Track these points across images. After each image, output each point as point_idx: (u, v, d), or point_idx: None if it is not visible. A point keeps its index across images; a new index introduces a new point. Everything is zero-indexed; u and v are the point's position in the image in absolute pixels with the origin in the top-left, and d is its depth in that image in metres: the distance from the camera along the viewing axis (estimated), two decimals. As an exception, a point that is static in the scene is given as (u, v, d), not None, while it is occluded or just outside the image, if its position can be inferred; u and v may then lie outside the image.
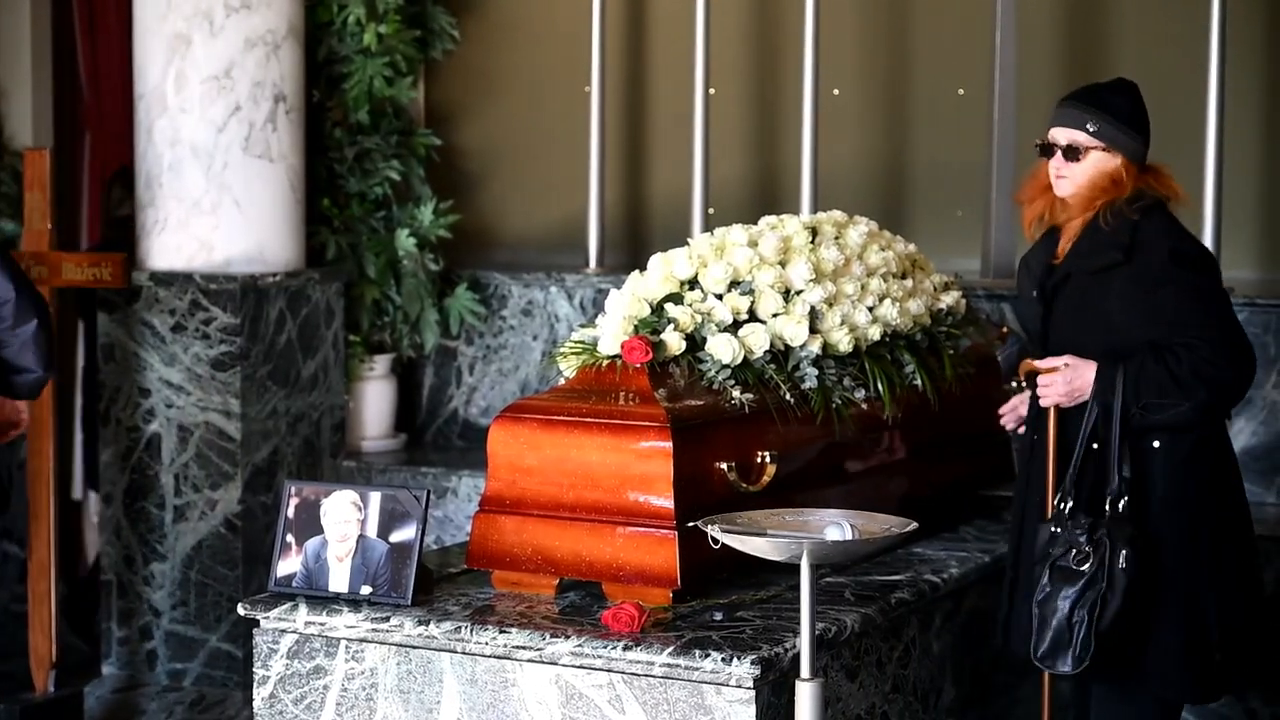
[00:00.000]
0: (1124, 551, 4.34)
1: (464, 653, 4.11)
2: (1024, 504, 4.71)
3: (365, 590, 4.24)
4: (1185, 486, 4.50)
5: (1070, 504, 4.44)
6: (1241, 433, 6.03)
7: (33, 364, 5.25)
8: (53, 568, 6.36)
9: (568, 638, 4.02)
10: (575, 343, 4.56)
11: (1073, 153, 4.57)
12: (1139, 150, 4.58)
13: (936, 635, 4.70)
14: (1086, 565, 4.35)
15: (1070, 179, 4.58)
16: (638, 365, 4.38)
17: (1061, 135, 4.60)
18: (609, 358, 4.44)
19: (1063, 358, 4.52)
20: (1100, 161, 4.56)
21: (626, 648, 3.95)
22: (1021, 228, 6.68)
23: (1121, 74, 6.92)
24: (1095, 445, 4.47)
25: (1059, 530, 4.42)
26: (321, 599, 4.26)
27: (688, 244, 4.80)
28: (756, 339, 4.54)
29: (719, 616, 4.12)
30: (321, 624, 4.23)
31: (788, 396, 4.58)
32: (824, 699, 3.43)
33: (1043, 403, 4.57)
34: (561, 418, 4.36)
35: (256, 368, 6.49)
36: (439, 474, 6.70)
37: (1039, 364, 4.57)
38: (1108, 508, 4.40)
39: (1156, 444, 4.48)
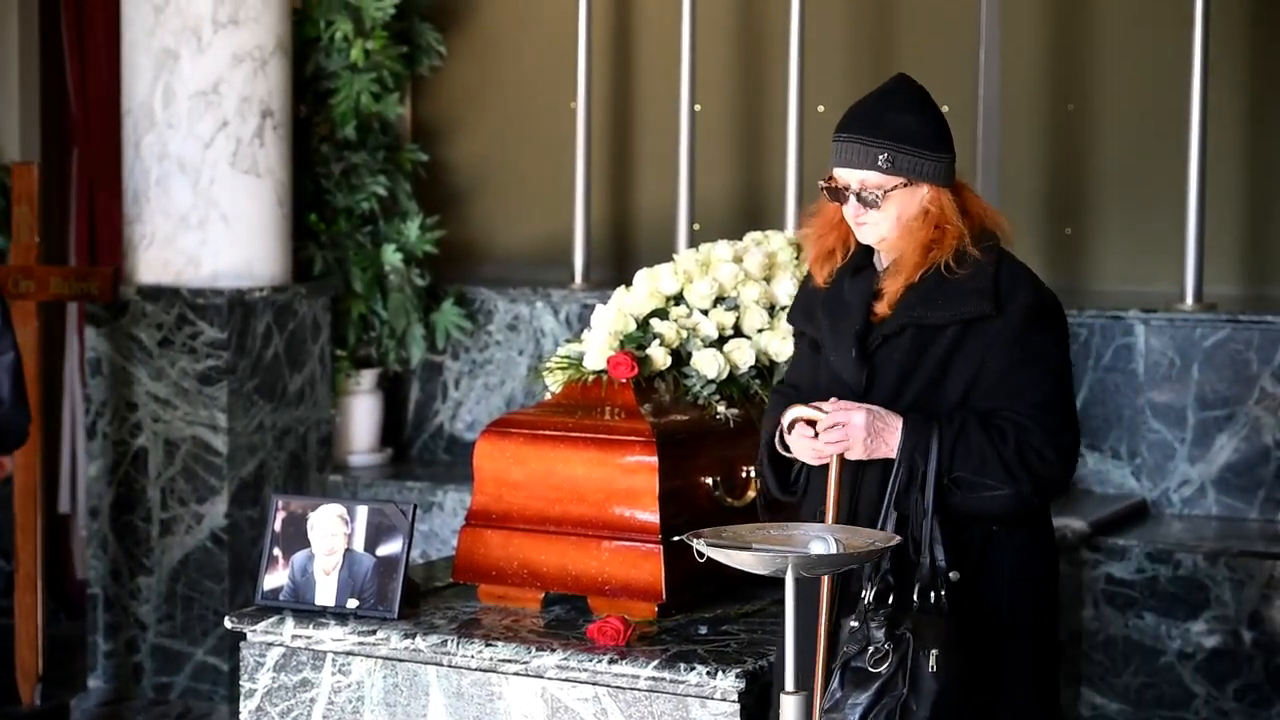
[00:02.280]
0: (934, 652, 3.56)
1: (450, 666, 4.13)
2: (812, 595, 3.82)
3: (352, 604, 4.26)
4: (1029, 574, 3.78)
5: (873, 591, 3.63)
6: (1224, 449, 6.06)
7: (5, 393, 5.21)
8: (39, 581, 6.37)
9: (553, 651, 4.04)
10: (561, 358, 4.58)
11: (868, 198, 3.74)
12: (945, 169, 3.76)
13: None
14: (884, 666, 3.57)
15: (873, 226, 3.76)
16: (623, 380, 4.40)
17: (850, 177, 3.76)
18: (595, 373, 4.46)
19: (857, 404, 3.71)
20: (902, 199, 3.73)
21: (612, 661, 3.97)
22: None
23: (1106, 90, 7.00)
24: (898, 516, 3.69)
25: (857, 624, 3.61)
26: (308, 612, 4.28)
27: (673, 259, 4.82)
28: (742, 354, 4.57)
29: (704, 630, 4.14)
30: (308, 637, 4.24)
31: (772, 411, 4.60)
32: (808, 712, 3.45)
33: (824, 449, 3.71)
34: (547, 432, 4.38)
35: (243, 382, 6.50)
36: (425, 488, 6.71)
37: (818, 407, 3.72)
38: (916, 597, 3.61)
39: (996, 526, 3.72)
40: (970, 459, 3.63)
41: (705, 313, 4.62)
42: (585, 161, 7.09)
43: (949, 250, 3.71)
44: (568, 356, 4.57)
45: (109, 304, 6.53)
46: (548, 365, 4.62)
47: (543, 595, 4.36)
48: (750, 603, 4.33)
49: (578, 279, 7.08)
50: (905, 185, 3.72)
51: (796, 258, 4.96)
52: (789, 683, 3.30)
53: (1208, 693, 5.62)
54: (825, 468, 3.71)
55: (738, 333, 4.64)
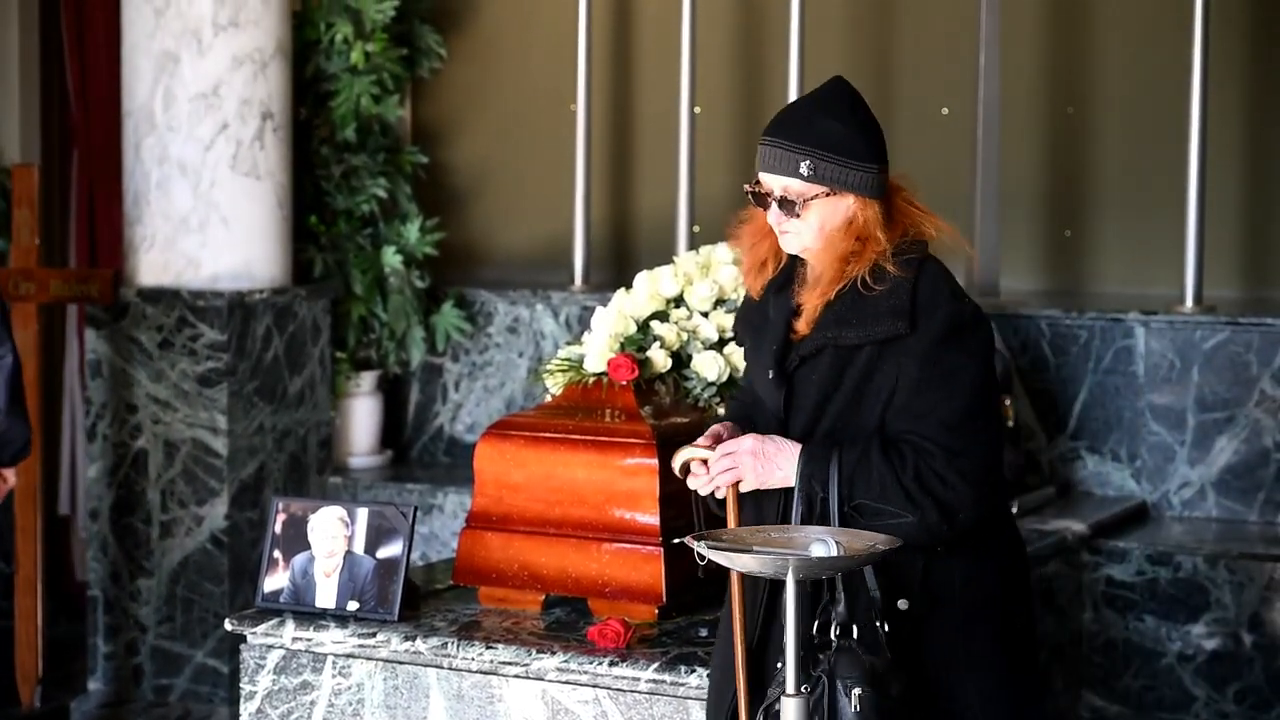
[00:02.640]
0: (856, 691, 3.38)
1: (450, 668, 4.13)
2: (728, 632, 3.67)
3: (352, 606, 4.26)
4: (984, 593, 3.59)
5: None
6: (1224, 451, 6.06)
7: (2, 402, 5.19)
8: (39, 583, 6.37)
9: (554, 653, 4.04)
10: (562, 360, 4.59)
11: (789, 205, 3.58)
12: (874, 180, 3.59)
13: (920, 651, 4.71)
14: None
15: (795, 235, 3.61)
16: (623, 383, 4.40)
17: (774, 183, 3.62)
18: (595, 375, 4.47)
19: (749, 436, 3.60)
20: (825, 208, 3.58)
21: (612, 663, 3.97)
22: (995, 247, 6.76)
23: (1105, 93, 7.01)
24: None
25: (781, 666, 3.44)
26: (308, 614, 4.28)
27: (673, 262, 4.82)
28: (742, 356, 4.57)
29: (704, 632, 4.14)
30: (308, 639, 4.25)
31: (773, 414, 4.60)
32: (809, 714, 3.44)
33: (717, 480, 3.62)
34: (548, 434, 4.38)
35: (243, 384, 6.50)
36: (425, 490, 6.71)
37: (705, 446, 3.65)
38: (833, 634, 3.45)
39: (940, 547, 3.55)
40: (871, 486, 3.48)
41: (705, 315, 4.63)
42: (585, 163, 7.09)
43: (866, 264, 3.55)
44: (568, 359, 4.58)
45: (109, 306, 6.53)
46: (548, 367, 4.62)
47: (543, 597, 4.37)
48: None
49: (578, 281, 7.08)
50: (828, 195, 3.58)
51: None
52: (789, 685, 3.30)
53: (1208, 695, 5.62)
54: (749, 495, 3.62)
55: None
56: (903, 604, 3.49)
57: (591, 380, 4.47)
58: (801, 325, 3.61)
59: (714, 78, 7.25)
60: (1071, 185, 7.05)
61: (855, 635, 3.43)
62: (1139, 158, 6.94)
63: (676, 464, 3.65)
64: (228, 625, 4.34)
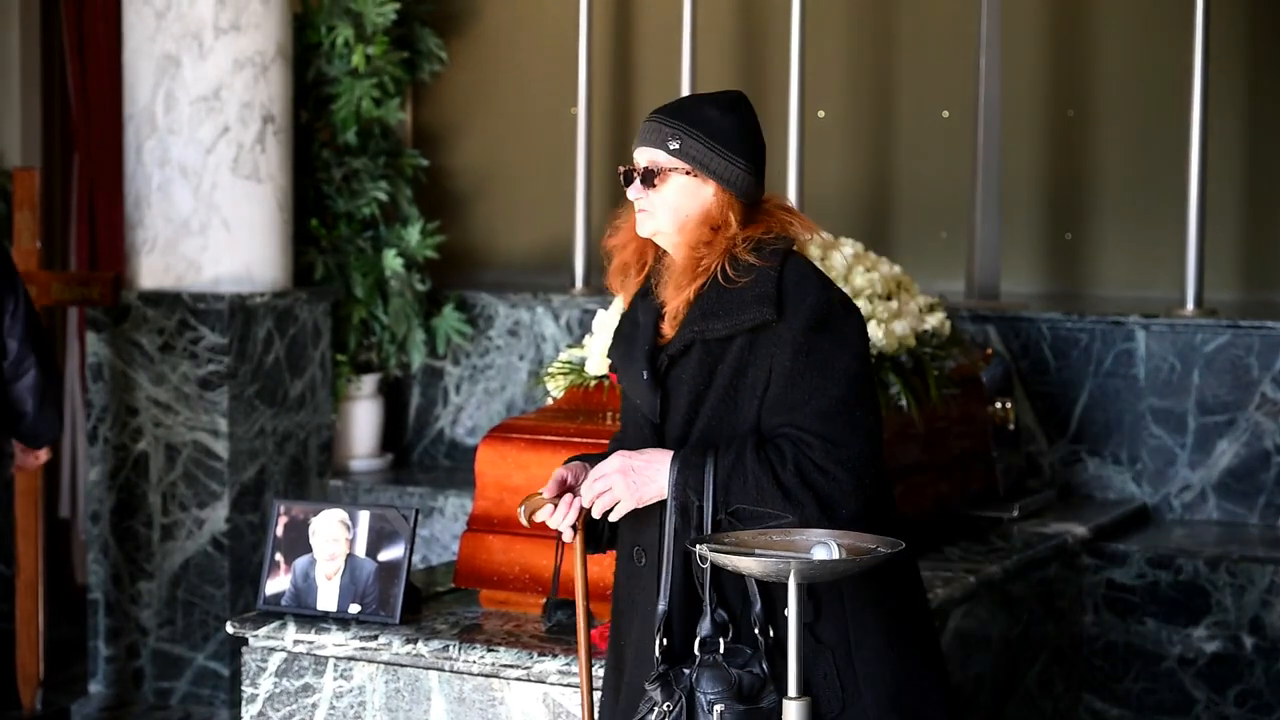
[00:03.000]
0: (718, 708, 3.31)
1: (452, 671, 4.13)
2: (619, 647, 3.63)
3: (353, 609, 4.26)
4: (881, 608, 3.48)
5: (664, 643, 3.41)
6: (1224, 454, 6.07)
7: (30, 409, 5.55)
8: (40, 586, 6.37)
9: (555, 656, 4.04)
10: (563, 363, 4.59)
11: (650, 179, 3.52)
12: (742, 179, 3.51)
13: (921, 654, 4.72)
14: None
15: (650, 214, 3.52)
16: (625, 386, 4.40)
17: (641, 156, 3.56)
18: (596, 378, 4.47)
19: (615, 457, 3.49)
20: (684, 190, 3.50)
21: (614, 666, 3.97)
22: (996, 250, 6.77)
23: (1107, 97, 7.02)
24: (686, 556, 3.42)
25: (649, 687, 3.39)
26: (310, 617, 4.28)
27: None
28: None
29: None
30: (310, 642, 4.25)
31: (774, 417, 4.60)
32: (812, 717, 3.44)
33: (595, 512, 3.50)
34: (549, 437, 4.38)
35: (244, 387, 6.51)
36: (425, 493, 6.71)
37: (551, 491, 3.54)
38: (698, 649, 3.37)
39: None
40: (747, 489, 3.37)
41: (707, 318, 4.62)
42: (586, 167, 7.10)
43: (719, 254, 3.47)
44: (569, 362, 4.58)
45: (110, 309, 6.53)
46: (549, 370, 4.62)
47: (544, 600, 4.37)
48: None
49: (578, 284, 7.09)
50: (689, 175, 3.50)
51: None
52: (792, 688, 3.30)
53: (1208, 698, 5.62)
54: (631, 514, 3.50)
55: (739, 338, 4.64)
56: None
57: (593, 383, 4.47)
58: (666, 325, 3.53)
59: (714, 83, 7.25)
60: (1072, 188, 7.05)
61: (721, 649, 3.35)
62: (1139, 161, 6.95)
63: (523, 516, 3.56)
64: (229, 628, 4.34)
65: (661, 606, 3.42)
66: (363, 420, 7.13)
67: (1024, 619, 5.34)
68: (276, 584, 4.33)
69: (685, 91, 6.82)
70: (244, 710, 4.34)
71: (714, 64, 7.22)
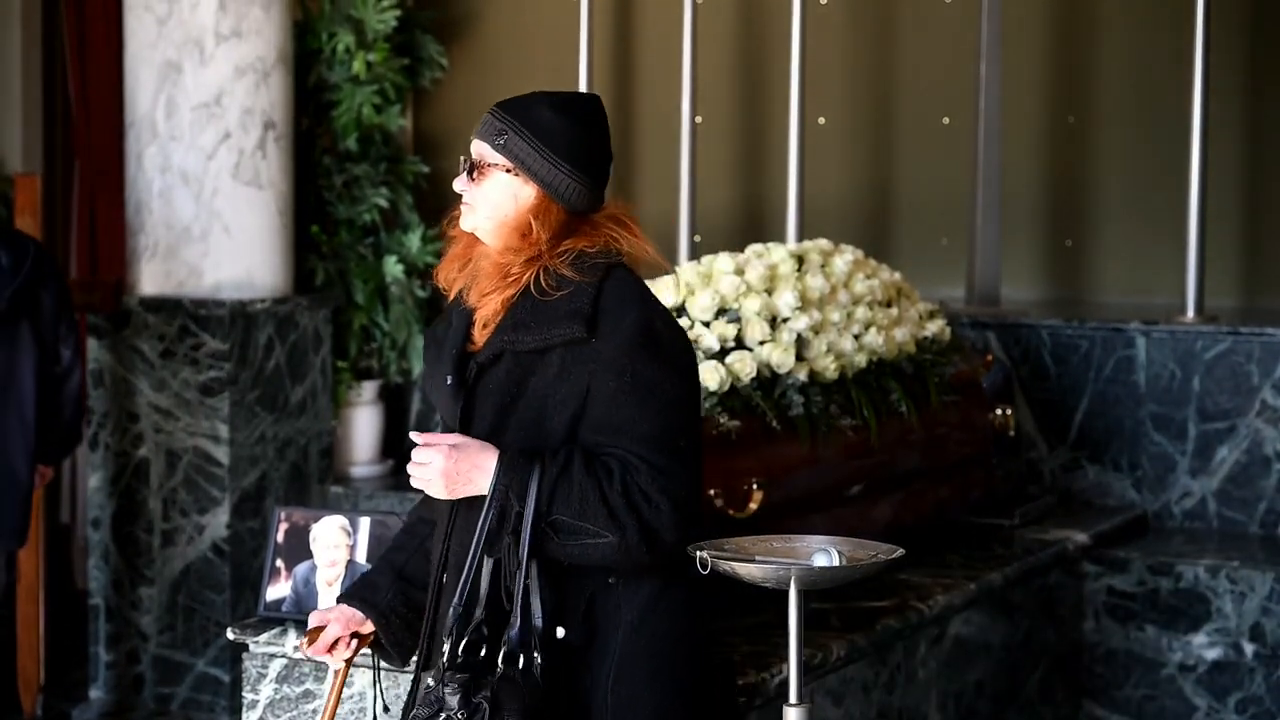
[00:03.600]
0: None
1: (452, 677, 4.13)
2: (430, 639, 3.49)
3: (354, 615, 4.26)
4: (655, 634, 3.33)
5: (460, 643, 3.25)
6: (1225, 461, 6.07)
7: (68, 416, 5.83)
8: (41, 591, 6.38)
9: (556, 663, 4.04)
10: (563, 370, 4.58)
11: (473, 170, 3.42)
12: (567, 187, 3.36)
13: (922, 662, 4.72)
14: None
15: (469, 209, 3.41)
16: (625, 392, 4.40)
17: (475, 149, 3.46)
18: (597, 385, 4.46)
19: (453, 435, 3.33)
20: (504, 188, 3.37)
21: (614, 673, 3.97)
22: (996, 256, 6.77)
23: (1106, 103, 7.02)
24: (493, 562, 3.28)
25: (433, 684, 3.24)
26: (311, 624, 4.28)
27: (675, 272, 4.83)
28: (743, 366, 4.57)
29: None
30: (311, 649, 4.24)
31: (775, 424, 4.61)
32: (810, 724, 3.45)
33: (413, 483, 3.34)
34: (550, 444, 4.37)
35: (245, 393, 6.51)
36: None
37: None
38: (503, 660, 3.22)
39: (613, 579, 3.30)
40: (571, 501, 3.21)
41: (707, 324, 4.63)
42: (587, 173, 7.08)
43: (526, 263, 3.32)
44: (570, 368, 4.57)
45: (111, 315, 6.53)
46: (550, 377, 4.61)
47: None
48: (753, 615, 4.34)
49: (579, 291, 7.08)
50: (510, 173, 3.37)
51: (798, 269, 4.97)
52: (792, 694, 3.30)
53: (1209, 705, 5.62)
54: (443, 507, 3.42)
55: (739, 344, 4.65)
56: (560, 632, 3.27)
57: (593, 390, 4.46)
58: (477, 332, 3.38)
59: (715, 88, 7.26)
60: (1072, 195, 7.06)
61: (520, 664, 3.21)
62: (1140, 167, 6.95)
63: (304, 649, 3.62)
64: (230, 634, 4.34)
65: (454, 608, 3.27)
66: (363, 426, 7.13)
67: (1024, 626, 5.34)
68: (277, 590, 4.32)
69: (686, 101, 6.82)
70: (244, 716, 4.33)
71: (714, 71, 7.23)
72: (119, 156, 6.87)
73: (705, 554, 3.33)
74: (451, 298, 3.48)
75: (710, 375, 4.50)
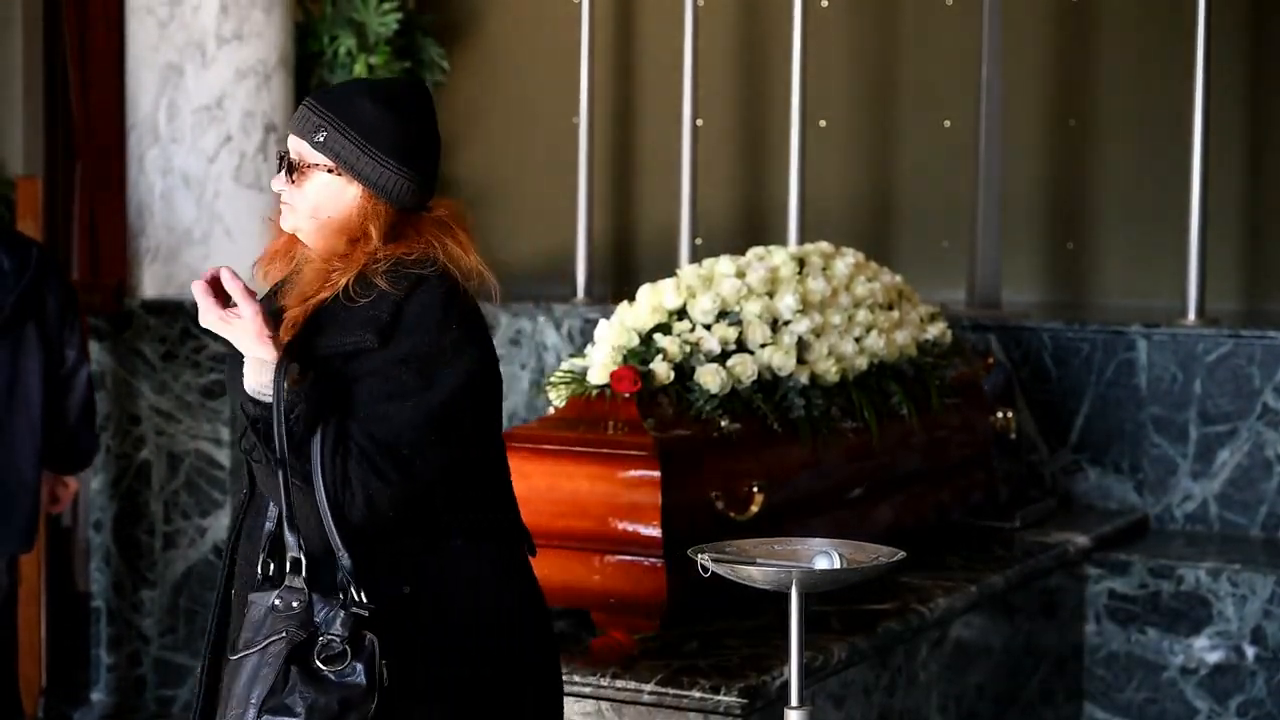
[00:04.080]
0: (383, 663, 3.06)
1: (453, 680, 4.13)
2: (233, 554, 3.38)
3: (355, 618, 4.26)
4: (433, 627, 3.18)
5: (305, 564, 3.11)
6: (1226, 464, 6.07)
7: (74, 418, 5.81)
8: (42, 593, 6.38)
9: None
10: (565, 372, 4.59)
11: (293, 171, 3.21)
12: (394, 185, 3.16)
13: (923, 665, 4.73)
14: (338, 668, 3.04)
15: (290, 210, 3.21)
16: (626, 395, 4.41)
17: (292, 146, 3.25)
18: (598, 387, 4.47)
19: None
20: (326, 190, 3.18)
21: (615, 675, 3.97)
22: (997, 259, 6.77)
23: (1107, 106, 7.02)
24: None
25: (282, 603, 3.10)
26: (312, 626, 4.28)
27: (676, 274, 4.83)
28: (744, 369, 4.58)
29: (706, 645, 4.15)
30: (312, 651, 4.24)
31: (776, 426, 4.61)
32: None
33: (221, 324, 3.14)
34: (550, 447, 4.38)
35: (246, 396, 6.50)
36: (427, 502, 6.70)
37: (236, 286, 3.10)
38: (316, 658, 3.06)
39: (407, 588, 3.15)
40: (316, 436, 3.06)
41: (708, 327, 4.63)
42: (587, 176, 7.10)
43: (354, 269, 3.14)
44: (571, 371, 4.58)
45: (112, 317, 6.54)
46: (551, 380, 4.62)
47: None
48: (754, 617, 4.34)
49: (580, 294, 7.09)
50: (333, 173, 3.17)
51: (799, 272, 4.97)
52: (793, 697, 3.31)
53: (1210, 709, 5.62)
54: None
55: (740, 347, 4.65)
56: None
57: (594, 392, 4.47)
58: (283, 332, 3.14)
59: (716, 91, 7.26)
60: (1074, 198, 7.06)
61: (353, 598, 3.08)
62: (1141, 170, 6.95)
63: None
64: (231, 637, 4.34)
65: (269, 524, 3.17)
66: (364, 429, 7.13)
67: (1025, 628, 5.34)
68: (278, 593, 4.32)
69: (687, 103, 6.83)
70: (246, 719, 4.33)
71: (715, 74, 7.23)
72: (120, 159, 6.87)
73: (706, 557, 3.34)
74: (263, 295, 3.26)
75: (711, 378, 4.51)
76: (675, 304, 4.66)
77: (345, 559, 3.08)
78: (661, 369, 4.48)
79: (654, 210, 7.39)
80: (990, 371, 5.81)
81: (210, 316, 3.11)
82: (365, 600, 3.07)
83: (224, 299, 3.11)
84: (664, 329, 4.60)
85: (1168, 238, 6.67)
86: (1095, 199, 7.03)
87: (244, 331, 3.08)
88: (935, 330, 5.38)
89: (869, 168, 7.29)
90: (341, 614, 3.05)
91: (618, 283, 7.26)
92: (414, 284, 3.12)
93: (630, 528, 4.27)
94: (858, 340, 4.95)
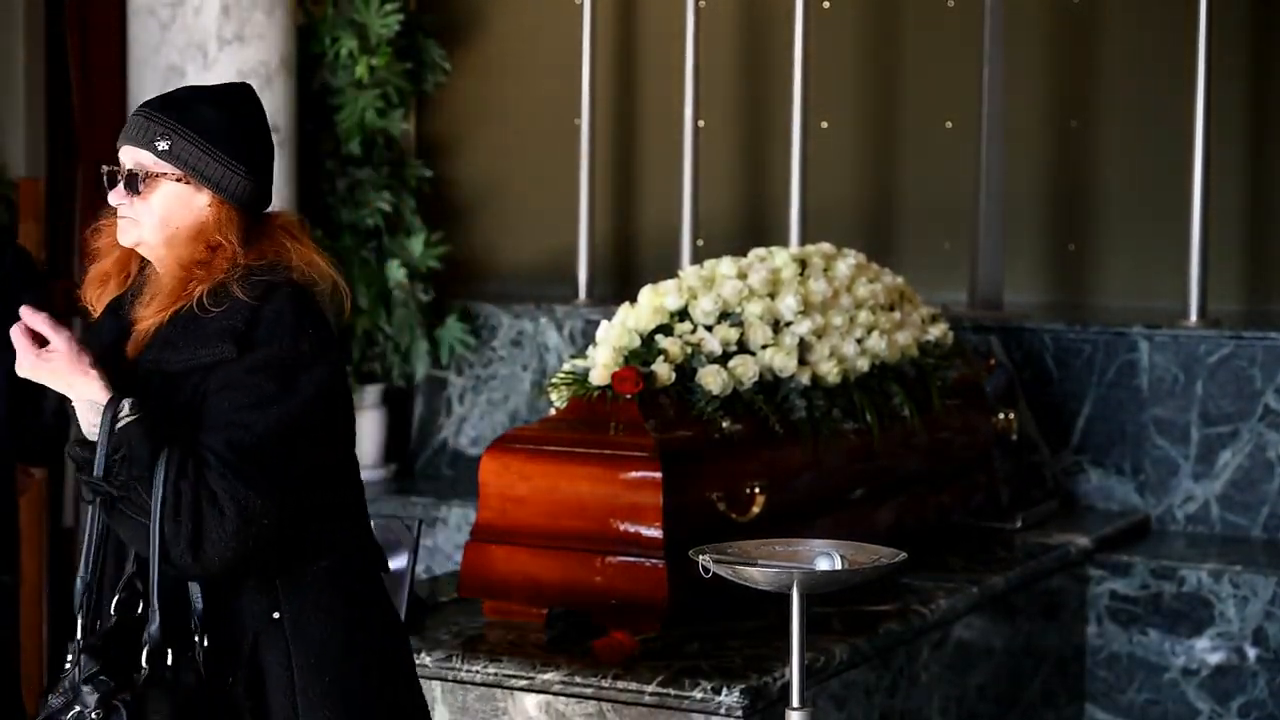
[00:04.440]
0: None
1: (455, 681, 4.13)
2: None
3: (357, 619, 4.26)
4: (312, 633, 3.10)
5: (94, 622, 3.03)
6: (1227, 465, 6.07)
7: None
8: (44, 593, 6.38)
9: (558, 666, 4.05)
10: (566, 373, 4.59)
11: (134, 183, 3.09)
12: (240, 184, 3.11)
13: (924, 666, 4.73)
14: None
15: (132, 222, 3.10)
16: (628, 396, 4.41)
17: (126, 157, 3.13)
18: (599, 388, 4.47)
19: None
20: (175, 199, 3.09)
21: (616, 676, 3.98)
22: (999, 260, 6.77)
23: (1109, 106, 7.02)
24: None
25: (69, 663, 3.02)
26: (313, 627, 4.28)
27: (678, 276, 4.83)
28: (746, 370, 4.58)
29: (708, 645, 4.15)
30: (313, 652, 4.24)
31: (777, 428, 4.61)
32: (812, 728, 3.46)
33: (30, 366, 3.02)
34: (552, 448, 4.38)
35: (248, 397, 6.50)
36: (429, 504, 6.71)
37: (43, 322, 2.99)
38: (145, 662, 2.97)
39: (276, 614, 3.08)
40: (141, 462, 2.94)
41: (709, 328, 4.64)
42: (589, 177, 7.10)
43: (215, 277, 3.06)
44: (572, 372, 4.58)
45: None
46: (552, 381, 4.63)
47: (547, 610, 4.37)
48: (755, 618, 4.34)
49: (582, 295, 7.09)
50: (180, 181, 3.08)
51: (801, 273, 4.98)
52: (794, 698, 3.31)
53: (1211, 710, 5.62)
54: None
55: (742, 348, 4.65)
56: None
57: (596, 393, 4.47)
58: (130, 348, 3.08)
59: (718, 92, 7.26)
60: (1075, 199, 7.06)
61: (170, 661, 2.96)
62: (1143, 171, 6.95)
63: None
64: (233, 638, 4.34)
65: (82, 577, 3.03)
66: (367, 431, 7.13)
67: (1026, 630, 5.34)
68: (280, 594, 4.32)
69: (689, 105, 6.82)
70: None
71: (717, 74, 7.23)
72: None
73: (707, 558, 3.34)
74: (98, 314, 3.19)
75: (713, 379, 4.51)
76: (677, 305, 4.66)
77: (198, 600, 2.98)
78: (663, 370, 4.48)
79: (655, 211, 7.38)
80: (992, 373, 5.81)
81: (25, 363, 2.99)
82: (207, 645, 2.98)
83: (41, 341, 2.99)
84: (665, 330, 4.60)
85: (1169, 239, 6.67)
86: (1097, 200, 7.02)
87: (61, 366, 2.97)
88: (937, 331, 5.39)
89: (870, 169, 7.29)
90: (90, 685, 2.93)
91: (619, 284, 7.26)
92: (267, 291, 3.06)
93: (632, 529, 4.27)
94: (859, 341, 4.95)
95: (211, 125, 3.10)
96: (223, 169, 3.09)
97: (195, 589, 2.99)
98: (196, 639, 2.99)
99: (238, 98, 3.18)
